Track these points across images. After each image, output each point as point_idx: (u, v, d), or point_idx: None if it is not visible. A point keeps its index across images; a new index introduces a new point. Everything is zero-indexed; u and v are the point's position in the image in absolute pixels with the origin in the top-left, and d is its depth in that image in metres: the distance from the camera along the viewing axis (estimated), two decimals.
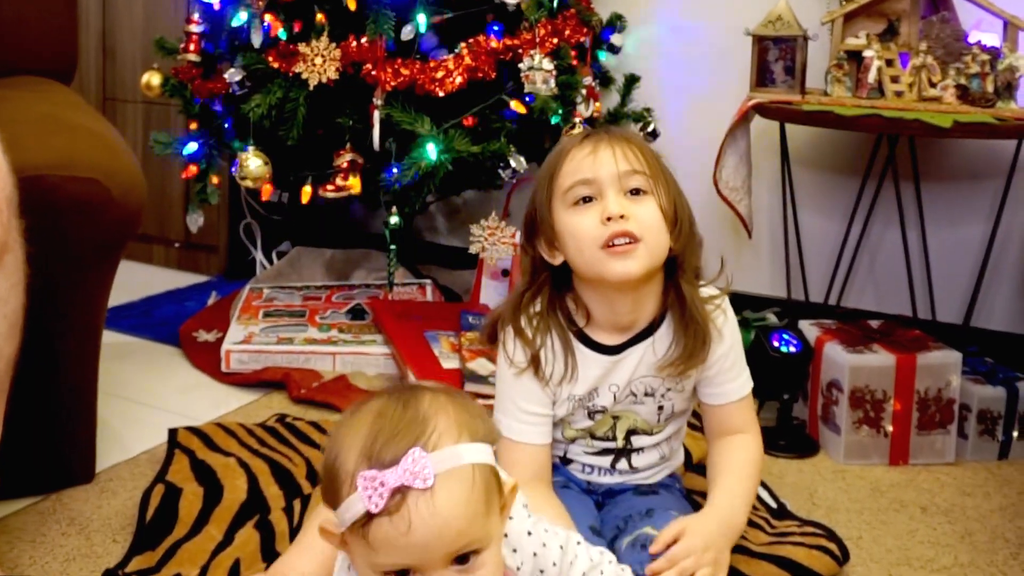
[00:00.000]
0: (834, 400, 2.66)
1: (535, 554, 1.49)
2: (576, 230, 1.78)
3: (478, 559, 1.26)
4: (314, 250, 3.90)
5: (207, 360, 3.06)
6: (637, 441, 1.97)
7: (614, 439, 1.96)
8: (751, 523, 2.11)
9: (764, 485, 2.38)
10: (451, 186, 3.34)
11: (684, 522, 1.77)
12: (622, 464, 1.98)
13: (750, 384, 1.98)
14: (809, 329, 2.80)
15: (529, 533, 1.49)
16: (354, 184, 2.96)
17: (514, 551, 1.47)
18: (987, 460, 2.65)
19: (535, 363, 1.86)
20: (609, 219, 1.74)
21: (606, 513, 1.94)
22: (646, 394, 1.92)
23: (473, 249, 2.96)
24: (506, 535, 1.44)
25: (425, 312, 3.23)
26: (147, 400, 2.78)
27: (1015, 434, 2.67)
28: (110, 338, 2.37)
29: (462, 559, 1.25)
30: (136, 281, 3.74)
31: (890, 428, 2.61)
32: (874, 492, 2.47)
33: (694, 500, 2.13)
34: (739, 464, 1.93)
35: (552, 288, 1.88)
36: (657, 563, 1.72)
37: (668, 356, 1.87)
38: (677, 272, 1.86)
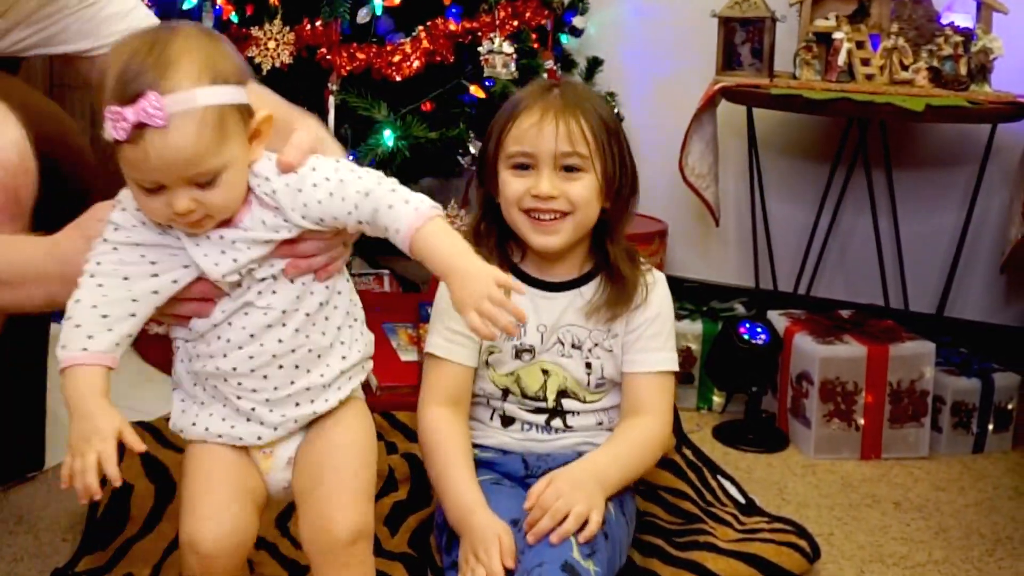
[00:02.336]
0: (804, 393, 2.63)
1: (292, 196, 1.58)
2: (506, 190, 1.96)
3: (218, 180, 1.47)
4: None
5: (158, 354, 2.95)
6: (568, 404, 2.03)
7: (545, 399, 2.02)
8: (720, 519, 2.15)
9: (732, 480, 2.39)
10: (409, 173, 3.16)
11: (552, 473, 1.85)
12: (557, 422, 2.03)
13: (671, 365, 2.03)
14: (778, 319, 2.79)
15: (313, 169, 1.59)
16: None
17: (299, 191, 1.57)
18: (962, 454, 2.65)
19: None
20: (536, 195, 1.92)
21: None
22: (573, 346, 2.01)
23: None
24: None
25: (383, 303, 3.18)
26: None
27: (990, 427, 2.67)
28: (58, 331, 2.34)
29: (205, 183, 1.46)
30: None
31: (862, 421, 2.60)
32: (845, 487, 2.47)
33: (652, 491, 2.23)
34: (630, 439, 1.97)
35: (499, 222, 2.03)
36: (532, 514, 1.78)
37: (595, 301, 2.00)
38: (606, 233, 2.02)
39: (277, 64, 2.83)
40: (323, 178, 1.55)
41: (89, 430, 1.41)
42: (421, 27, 3.01)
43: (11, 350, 2.12)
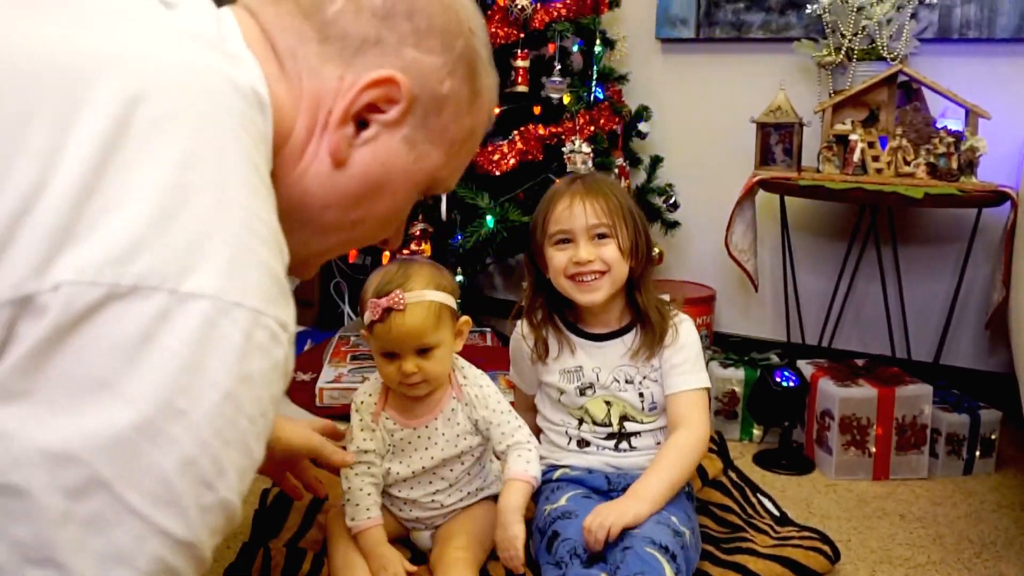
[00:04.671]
0: (826, 426, 2.70)
1: (476, 396, 2.07)
2: (552, 262, 2.13)
3: (432, 353, 1.95)
4: None
5: (304, 396, 3.12)
6: (630, 426, 2.15)
7: (611, 424, 2.15)
8: (759, 529, 2.20)
9: (769, 497, 2.43)
10: (506, 249, 3.43)
11: (597, 508, 1.96)
12: (624, 445, 2.15)
13: (699, 383, 2.13)
14: (806, 367, 2.85)
15: (481, 387, 2.09)
16: (425, 249, 3.10)
17: (480, 386, 2.08)
18: (954, 475, 2.71)
19: (537, 346, 2.21)
20: (577, 262, 2.09)
21: None
22: (627, 381, 2.15)
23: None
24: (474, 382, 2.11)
25: (486, 355, 3.26)
26: None
27: (977, 454, 2.72)
28: None
29: (423, 352, 1.94)
30: None
31: (873, 449, 2.66)
32: (860, 503, 2.53)
33: (704, 506, 2.30)
34: (668, 452, 2.07)
35: (550, 292, 2.20)
36: (588, 538, 1.92)
37: (634, 346, 2.16)
38: (636, 287, 2.17)
39: None
40: (503, 420, 2.07)
41: (382, 565, 1.95)
42: (516, 131, 3.19)
43: None
